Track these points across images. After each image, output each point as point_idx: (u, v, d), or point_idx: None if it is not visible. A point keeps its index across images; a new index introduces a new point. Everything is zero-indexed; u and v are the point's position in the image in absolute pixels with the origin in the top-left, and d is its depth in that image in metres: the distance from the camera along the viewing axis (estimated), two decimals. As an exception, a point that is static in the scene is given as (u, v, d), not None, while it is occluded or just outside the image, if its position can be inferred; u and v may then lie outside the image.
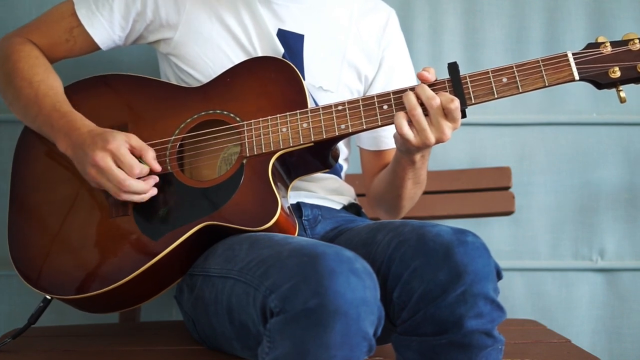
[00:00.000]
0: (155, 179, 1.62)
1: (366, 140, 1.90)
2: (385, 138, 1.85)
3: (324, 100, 1.75)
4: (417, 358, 1.44)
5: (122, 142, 1.58)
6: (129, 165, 1.57)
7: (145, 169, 1.60)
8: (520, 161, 2.28)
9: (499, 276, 1.44)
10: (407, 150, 1.60)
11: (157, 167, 1.62)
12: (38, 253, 1.65)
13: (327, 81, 1.79)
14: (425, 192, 2.12)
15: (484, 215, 2.21)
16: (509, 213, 2.21)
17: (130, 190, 1.58)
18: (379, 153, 1.89)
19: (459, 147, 2.26)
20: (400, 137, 1.57)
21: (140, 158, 1.60)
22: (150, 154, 1.61)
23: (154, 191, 1.61)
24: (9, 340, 1.68)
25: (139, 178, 1.59)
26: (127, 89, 1.76)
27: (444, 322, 1.39)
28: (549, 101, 2.27)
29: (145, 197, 1.60)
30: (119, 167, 1.57)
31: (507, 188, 2.22)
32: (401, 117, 1.55)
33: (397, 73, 1.86)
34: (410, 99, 1.54)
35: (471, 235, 1.43)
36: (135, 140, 1.61)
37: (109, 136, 1.58)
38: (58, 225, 1.66)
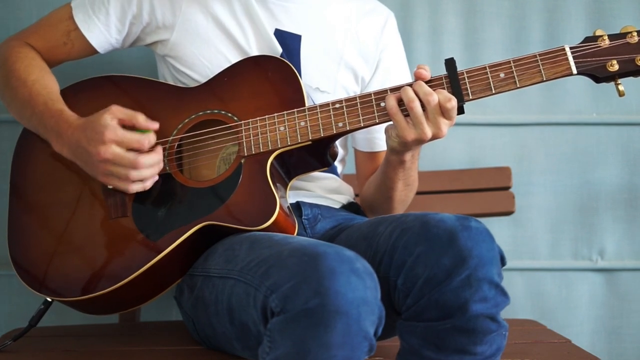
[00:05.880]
0: (160, 146, 1.61)
1: (361, 141, 1.90)
2: (380, 140, 1.85)
3: (320, 101, 1.75)
4: (422, 343, 1.44)
5: (113, 125, 1.56)
6: (137, 143, 1.56)
7: (152, 137, 1.59)
8: (520, 161, 2.28)
9: (502, 261, 1.44)
10: (402, 144, 1.59)
11: (155, 126, 1.60)
12: (39, 255, 1.64)
13: (324, 82, 1.79)
14: (425, 192, 2.12)
15: (484, 215, 2.21)
16: (509, 213, 2.21)
17: (146, 164, 1.57)
18: (373, 155, 1.89)
19: (459, 147, 2.26)
20: (394, 127, 1.57)
21: (133, 127, 1.58)
22: (140, 118, 1.59)
23: (162, 164, 1.60)
24: (10, 343, 1.68)
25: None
26: (125, 90, 1.76)
27: (449, 307, 1.39)
28: (549, 101, 2.27)
29: (156, 171, 1.59)
30: (128, 149, 1.56)
31: (507, 188, 2.22)
32: (392, 100, 1.55)
33: (394, 75, 1.86)
34: (408, 92, 1.55)
35: (474, 221, 1.43)
36: (119, 112, 1.58)
37: (99, 126, 1.56)
38: (59, 226, 1.66)
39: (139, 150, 1.57)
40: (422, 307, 1.41)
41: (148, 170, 1.58)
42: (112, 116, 1.57)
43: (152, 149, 1.59)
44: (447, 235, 1.41)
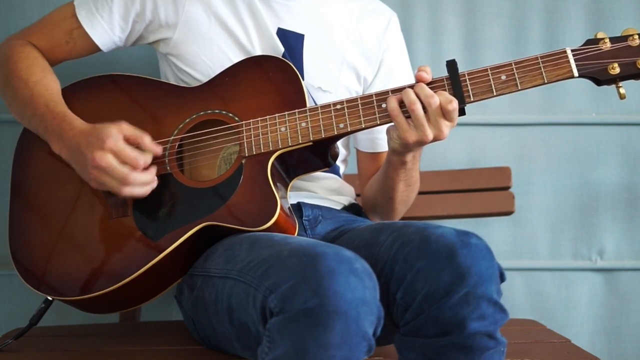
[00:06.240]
0: (156, 167, 1.61)
1: (363, 142, 1.90)
2: (381, 140, 1.85)
3: (322, 100, 1.75)
4: (420, 359, 1.44)
5: (117, 136, 1.57)
6: (133, 159, 1.56)
7: (149, 157, 1.59)
8: (520, 161, 2.28)
9: (502, 278, 1.44)
10: (403, 146, 1.59)
11: (158, 150, 1.61)
12: (40, 253, 1.65)
13: (326, 82, 1.79)
14: (425, 192, 2.12)
15: (484, 215, 2.21)
16: (509, 213, 2.21)
17: (136, 182, 1.57)
18: (375, 155, 1.89)
19: (459, 147, 2.26)
20: (396, 129, 1.57)
21: (138, 146, 1.59)
22: (146, 140, 1.60)
23: (156, 182, 1.61)
24: (10, 341, 1.68)
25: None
26: (126, 89, 1.76)
27: (447, 324, 1.39)
28: (549, 101, 2.27)
29: (148, 190, 1.59)
30: (123, 162, 1.57)
31: (507, 188, 2.22)
32: (393, 101, 1.55)
33: (396, 76, 1.86)
34: (410, 94, 1.55)
35: (475, 237, 1.43)
36: (127, 129, 1.59)
37: (103, 134, 1.57)
38: (61, 226, 1.66)
39: (133, 167, 1.57)
40: (421, 323, 1.41)
41: (138, 188, 1.58)
42: (119, 130, 1.58)
43: (147, 169, 1.59)
44: (447, 252, 1.40)
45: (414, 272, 1.42)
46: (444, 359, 1.41)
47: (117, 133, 1.57)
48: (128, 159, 1.56)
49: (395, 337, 1.48)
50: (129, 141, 1.58)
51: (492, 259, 1.42)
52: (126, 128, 1.59)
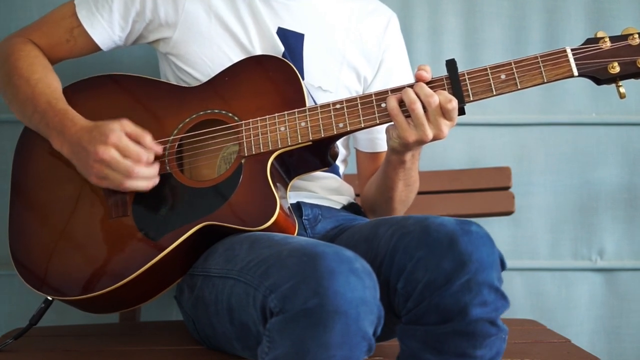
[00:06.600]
0: (159, 164, 1.61)
1: (362, 142, 1.90)
2: (381, 140, 1.85)
3: (323, 100, 1.75)
4: (422, 347, 1.44)
5: (120, 132, 1.57)
6: (136, 154, 1.57)
7: (151, 155, 1.60)
8: (520, 161, 2.28)
9: (502, 266, 1.44)
10: (403, 145, 1.59)
11: (158, 150, 1.62)
12: (40, 253, 1.64)
13: (327, 81, 1.80)
14: (425, 192, 2.12)
15: (484, 215, 2.21)
16: (509, 213, 2.21)
17: (140, 176, 1.57)
18: (375, 155, 1.89)
19: (459, 147, 2.27)
20: (395, 128, 1.57)
21: (139, 144, 1.59)
22: (147, 139, 1.60)
23: (158, 179, 1.61)
24: (10, 341, 1.68)
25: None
26: (126, 89, 1.76)
27: (449, 311, 1.39)
28: (549, 101, 2.27)
29: (150, 185, 1.60)
30: (125, 157, 1.57)
31: (507, 188, 2.22)
32: (393, 101, 1.55)
33: (395, 75, 1.86)
34: (409, 93, 1.55)
35: (475, 225, 1.43)
36: (129, 126, 1.60)
37: (105, 129, 1.58)
38: (61, 226, 1.66)
39: (136, 162, 1.57)
40: (422, 311, 1.41)
41: (142, 182, 1.59)
42: (121, 127, 1.59)
43: (149, 165, 1.60)
44: (447, 240, 1.40)
45: (414, 261, 1.42)
46: (446, 346, 1.41)
47: (119, 129, 1.58)
48: (131, 154, 1.57)
49: (398, 326, 1.48)
50: (130, 138, 1.59)
51: (492, 246, 1.42)
52: (128, 125, 1.60)
